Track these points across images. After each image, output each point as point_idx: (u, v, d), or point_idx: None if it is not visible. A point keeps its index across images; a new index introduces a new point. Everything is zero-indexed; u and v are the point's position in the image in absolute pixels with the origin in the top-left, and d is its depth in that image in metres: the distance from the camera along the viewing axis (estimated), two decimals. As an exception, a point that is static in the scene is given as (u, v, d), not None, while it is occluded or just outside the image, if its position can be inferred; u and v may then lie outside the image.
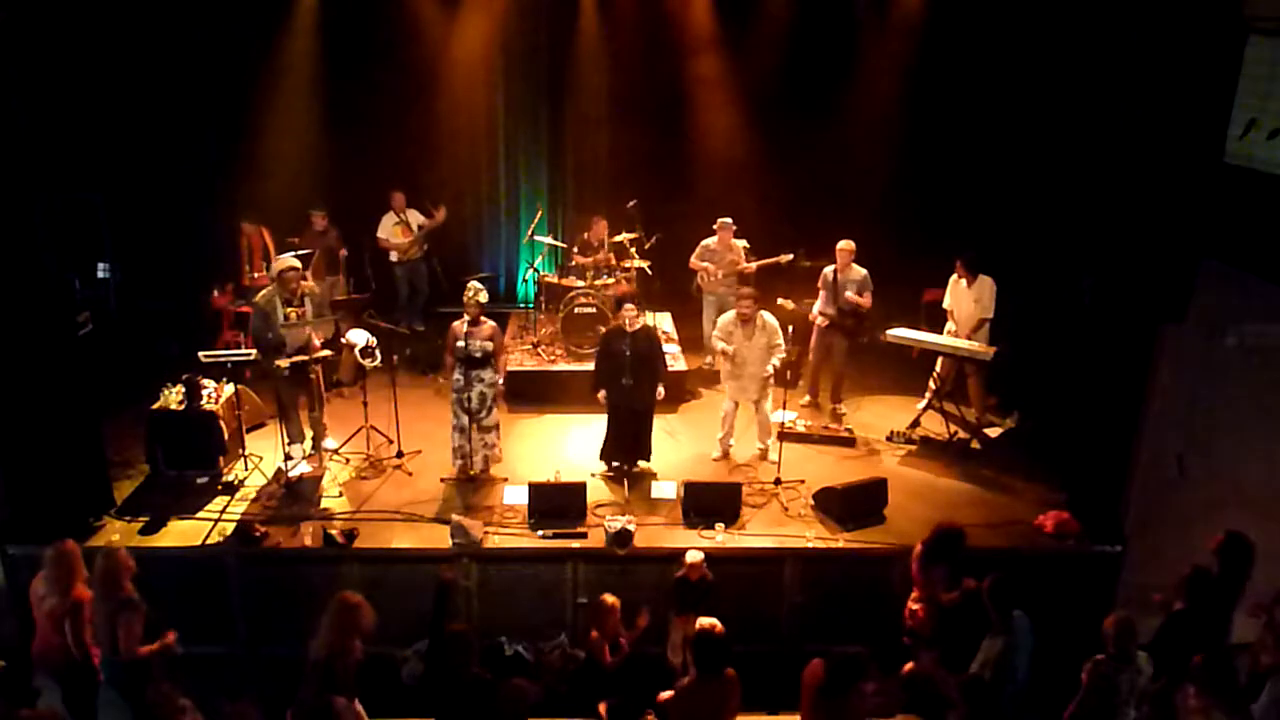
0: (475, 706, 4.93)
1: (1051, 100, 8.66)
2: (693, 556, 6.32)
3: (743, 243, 9.78)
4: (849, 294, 8.82)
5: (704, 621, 5.71)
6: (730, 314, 8.02)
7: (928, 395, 8.99)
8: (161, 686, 4.90)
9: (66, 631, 5.40)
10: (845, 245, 8.87)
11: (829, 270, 8.97)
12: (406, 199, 10.51)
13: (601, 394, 7.76)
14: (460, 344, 7.43)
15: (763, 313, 7.96)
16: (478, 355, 7.43)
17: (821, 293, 9.06)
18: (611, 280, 9.76)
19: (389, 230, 10.47)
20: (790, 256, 9.44)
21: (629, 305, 7.62)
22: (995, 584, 5.26)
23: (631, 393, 7.61)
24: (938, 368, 8.91)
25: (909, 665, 5.86)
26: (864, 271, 8.89)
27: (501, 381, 7.76)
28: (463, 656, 5.04)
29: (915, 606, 6.02)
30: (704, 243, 9.77)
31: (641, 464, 7.96)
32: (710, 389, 9.69)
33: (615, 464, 7.92)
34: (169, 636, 5.46)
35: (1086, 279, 7.21)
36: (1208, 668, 4.64)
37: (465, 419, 7.60)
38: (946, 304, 8.91)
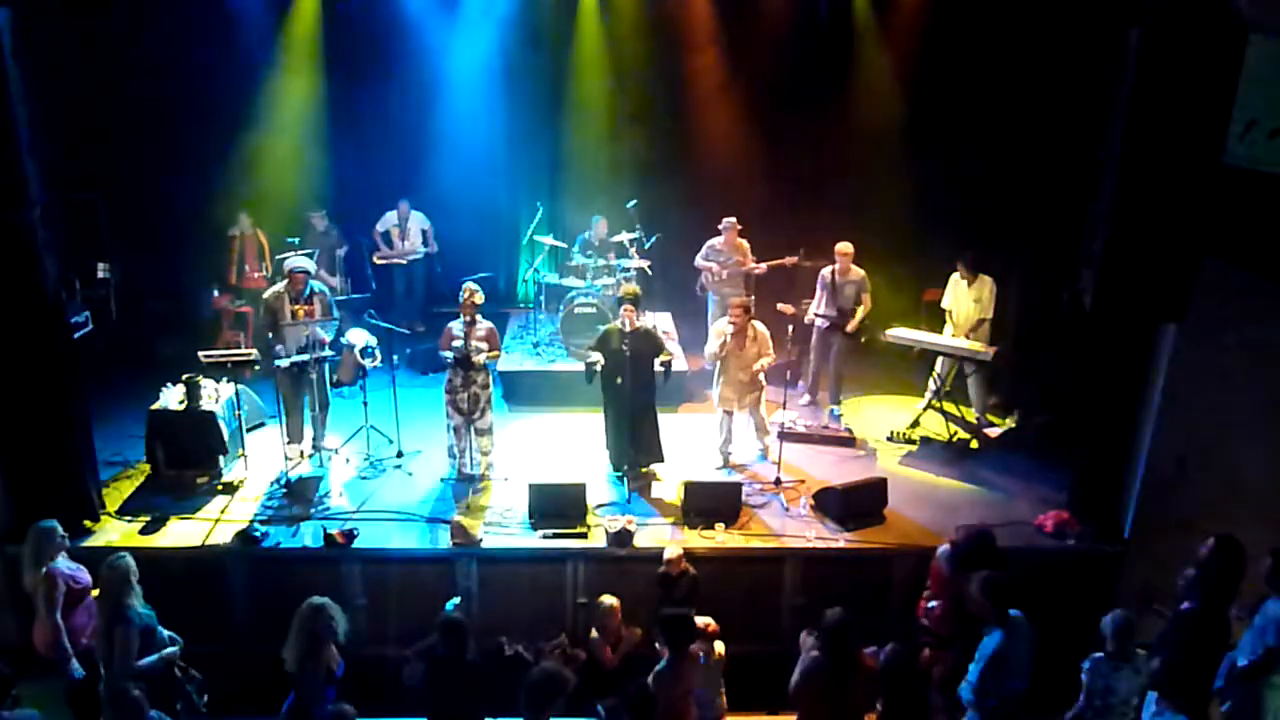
0: (469, 694, 4.95)
1: (1052, 100, 8.65)
2: (670, 551, 6.37)
3: (744, 243, 9.79)
4: (853, 319, 8.88)
5: (699, 621, 5.74)
6: (724, 319, 8.01)
7: (927, 395, 9.00)
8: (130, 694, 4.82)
9: (39, 606, 5.44)
10: (844, 248, 8.88)
11: (827, 272, 8.98)
12: (411, 203, 10.58)
13: (596, 356, 7.56)
14: (456, 344, 7.42)
15: (755, 322, 7.93)
16: (472, 355, 7.42)
17: (820, 294, 9.06)
18: (612, 281, 9.76)
19: (387, 226, 10.55)
20: (796, 259, 9.45)
21: (627, 305, 7.62)
22: (989, 582, 5.24)
23: (628, 393, 7.60)
24: (937, 367, 8.91)
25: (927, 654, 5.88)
26: (862, 273, 8.91)
27: (490, 382, 7.74)
28: (459, 646, 5.05)
29: (932, 604, 6.01)
30: (709, 242, 9.77)
31: (656, 466, 7.94)
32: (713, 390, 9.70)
33: (626, 467, 7.80)
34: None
35: (1065, 289, 7.22)
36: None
37: (459, 419, 7.60)
38: (946, 303, 8.92)
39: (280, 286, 7.71)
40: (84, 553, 6.29)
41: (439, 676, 5.04)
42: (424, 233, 10.63)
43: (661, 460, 7.95)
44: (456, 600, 6.10)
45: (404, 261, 10.68)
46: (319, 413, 8.00)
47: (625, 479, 7.73)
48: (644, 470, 7.89)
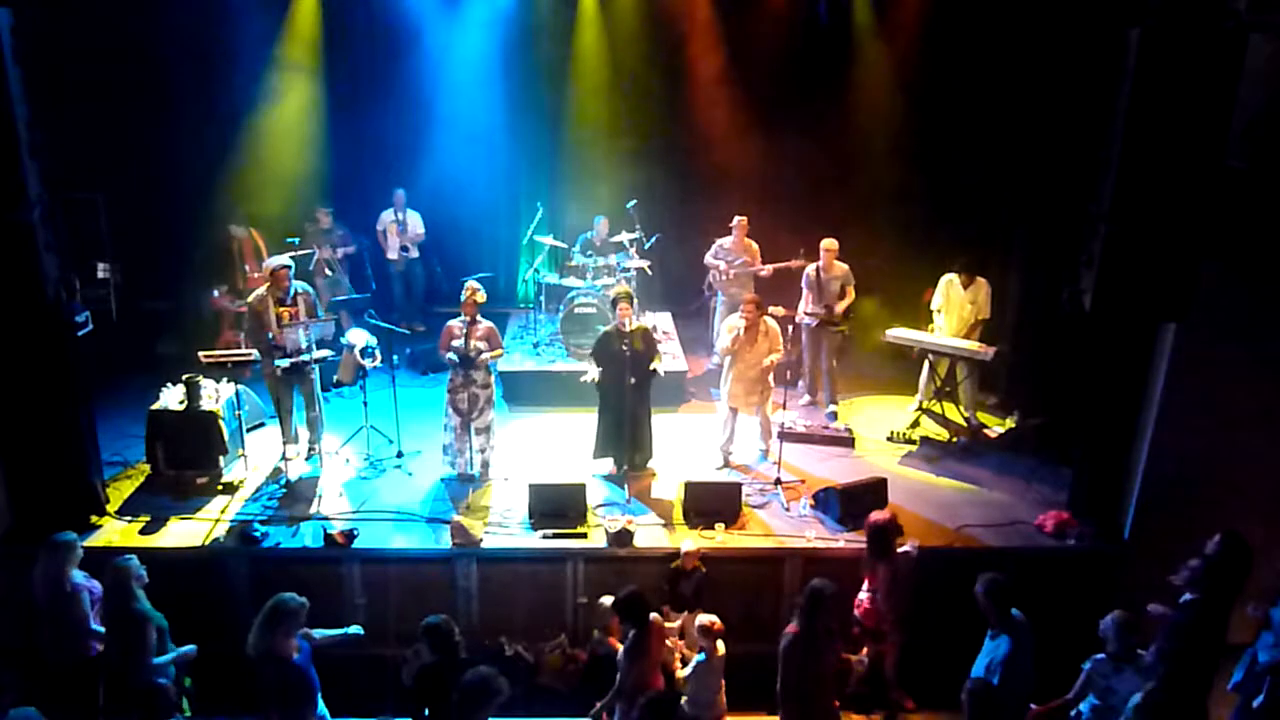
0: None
1: (1052, 100, 8.65)
2: (688, 545, 6.49)
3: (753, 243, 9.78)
4: (838, 306, 8.88)
5: (704, 618, 5.77)
6: (735, 315, 8.01)
7: (928, 395, 8.99)
8: (159, 686, 4.86)
9: (66, 620, 5.47)
10: (829, 244, 8.89)
11: (811, 269, 8.98)
12: (407, 198, 10.57)
13: (593, 372, 7.61)
14: (457, 343, 7.42)
15: (766, 319, 7.94)
16: (473, 355, 7.42)
17: (806, 293, 9.06)
18: (612, 281, 9.76)
19: (385, 225, 10.56)
20: (802, 262, 9.46)
21: (623, 305, 7.62)
22: (991, 584, 5.25)
23: (629, 392, 7.60)
24: (936, 368, 8.90)
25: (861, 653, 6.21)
26: (845, 267, 8.94)
27: (491, 382, 7.75)
28: (448, 649, 5.05)
29: (862, 596, 6.24)
30: (719, 241, 9.78)
31: (646, 466, 7.95)
32: (715, 389, 9.68)
33: (608, 461, 7.90)
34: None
35: (1065, 289, 7.27)
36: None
37: (457, 419, 7.59)
38: (936, 304, 8.91)
39: (263, 289, 7.67)
40: (84, 552, 6.26)
41: (433, 682, 5.02)
42: (405, 248, 10.67)
43: (650, 458, 7.95)
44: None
45: (415, 254, 10.68)
46: (316, 414, 7.99)
47: (624, 482, 7.73)
48: (637, 469, 7.87)
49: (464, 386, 7.49)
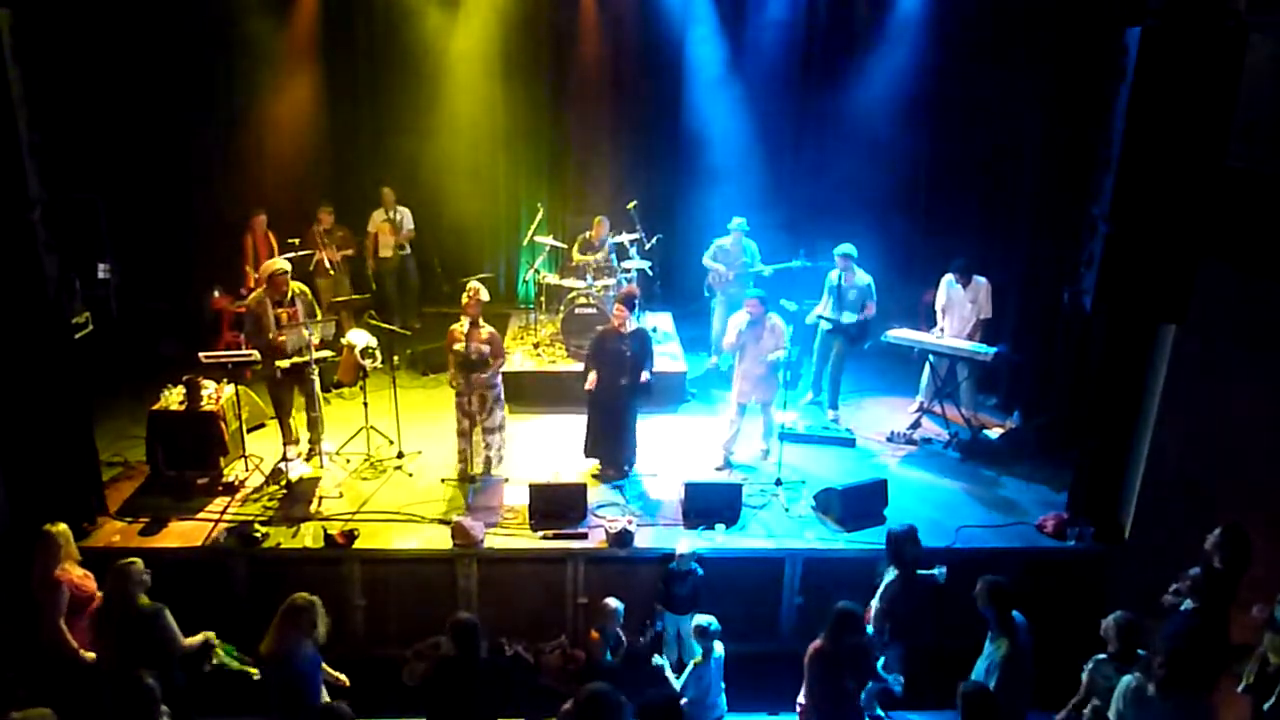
0: (484, 696, 4.94)
1: (1052, 100, 8.66)
2: (682, 546, 6.48)
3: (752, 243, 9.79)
4: (852, 315, 8.79)
5: (700, 619, 5.77)
6: (740, 311, 8.02)
7: (928, 396, 8.99)
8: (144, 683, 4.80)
9: (45, 611, 5.44)
10: (846, 250, 8.82)
11: (834, 274, 8.94)
12: (398, 196, 10.56)
13: (591, 379, 7.64)
14: (459, 347, 7.42)
15: (773, 313, 7.94)
16: (475, 359, 7.42)
17: (825, 297, 9.04)
18: (612, 281, 9.76)
19: (377, 225, 10.53)
20: (800, 263, 9.43)
21: (619, 306, 7.62)
22: (992, 587, 5.23)
23: (623, 392, 7.60)
24: (936, 367, 8.90)
25: None
26: (869, 278, 8.85)
27: (498, 380, 7.76)
28: (471, 648, 5.06)
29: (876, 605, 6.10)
30: (717, 241, 9.78)
31: (628, 468, 7.96)
32: (715, 390, 9.68)
33: (598, 460, 7.93)
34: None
35: (1065, 290, 7.28)
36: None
37: (465, 422, 7.59)
38: (939, 305, 8.90)
39: (260, 291, 7.67)
40: (84, 553, 6.27)
41: (449, 679, 5.02)
42: (400, 246, 10.66)
43: (633, 463, 7.97)
44: None
45: (408, 251, 10.66)
46: (316, 414, 7.98)
47: (611, 477, 7.76)
48: (620, 470, 7.88)
49: (468, 390, 7.49)
